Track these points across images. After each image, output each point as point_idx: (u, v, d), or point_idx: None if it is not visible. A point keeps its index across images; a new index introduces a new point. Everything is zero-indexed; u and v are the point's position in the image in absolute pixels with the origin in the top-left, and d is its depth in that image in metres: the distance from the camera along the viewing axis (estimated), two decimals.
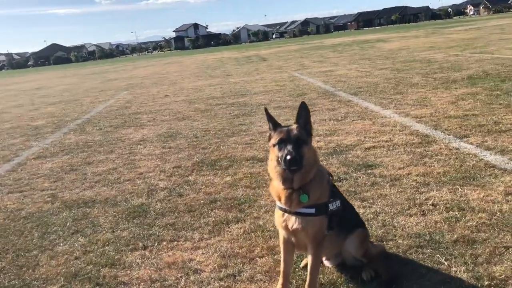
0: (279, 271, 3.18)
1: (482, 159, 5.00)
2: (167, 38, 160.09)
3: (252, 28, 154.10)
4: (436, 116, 7.29)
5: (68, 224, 4.48)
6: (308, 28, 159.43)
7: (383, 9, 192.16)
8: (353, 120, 7.77)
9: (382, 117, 7.74)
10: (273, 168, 2.73)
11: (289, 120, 8.36)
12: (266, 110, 2.89)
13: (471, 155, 5.17)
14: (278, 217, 2.82)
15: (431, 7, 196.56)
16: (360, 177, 4.90)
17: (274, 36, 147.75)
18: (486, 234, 3.35)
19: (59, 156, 7.48)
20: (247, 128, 8.16)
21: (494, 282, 2.78)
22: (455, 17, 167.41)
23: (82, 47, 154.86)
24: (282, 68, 20.38)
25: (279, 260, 3.31)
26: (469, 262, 3.02)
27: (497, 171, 4.58)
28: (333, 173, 4.86)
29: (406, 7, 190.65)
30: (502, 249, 3.13)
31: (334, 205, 2.81)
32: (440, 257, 3.12)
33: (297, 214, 2.72)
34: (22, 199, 5.41)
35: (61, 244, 4.04)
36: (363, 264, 3.04)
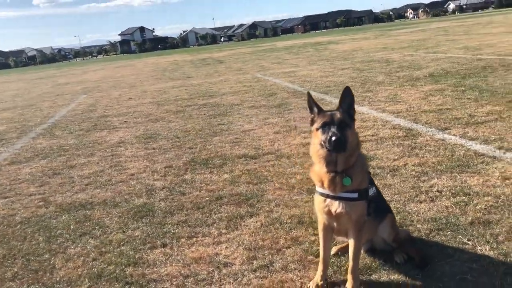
0: (312, 260, 3.25)
1: (469, 148, 5.29)
2: (112, 42, 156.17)
3: (200, 32, 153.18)
4: (412, 111, 7.61)
5: (72, 227, 4.32)
6: (256, 31, 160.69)
7: (328, 12, 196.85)
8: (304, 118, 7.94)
9: (360, 113, 7.97)
10: (316, 151, 2.78)
11: (268, 118, 8.47)
12: (309, 94, 2.92)
13: (458, 145, 5.45)
14: (319, 203, 2.87)
15: (374, 11, 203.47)
16: None
17: (222, 40, 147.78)
18: (498, 215, 3.56)
19: (36, 160, 7.15)
20: (228, 127, 8.15)
21: None
22: (396, 20, 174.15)
23: (21, 51, 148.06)
24: (242, 70, 20.46)
25: (307, 250, 3.40)
26: (491, 241, 3.20)
27: (487, 159, 4.86)
28: None
29: (350, 10, 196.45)
30: None
31: (371, 191, 2.90)
32: (462, 238, 3.29)
33: (340, 198, 2.79)
34: (11, 205, 5.14)
35: (72, 247, 3.89)
36: (393, 248, 3.15)
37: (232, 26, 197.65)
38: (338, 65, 17.18)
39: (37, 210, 4.87)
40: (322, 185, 2.83)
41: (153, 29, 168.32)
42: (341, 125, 2.70)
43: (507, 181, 4.20)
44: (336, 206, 2.80)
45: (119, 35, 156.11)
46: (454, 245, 3.22)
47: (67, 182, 5.80)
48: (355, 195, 2.79)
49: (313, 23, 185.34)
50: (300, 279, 3.06)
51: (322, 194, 2.85)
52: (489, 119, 6.46)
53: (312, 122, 2.84)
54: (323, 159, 2.75)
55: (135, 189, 5.25)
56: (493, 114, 6.70)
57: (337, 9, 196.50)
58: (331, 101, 9.50)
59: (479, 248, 3.14)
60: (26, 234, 4.25)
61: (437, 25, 46.21)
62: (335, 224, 2.89)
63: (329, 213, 2.84)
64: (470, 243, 3.22)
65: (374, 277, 2.99)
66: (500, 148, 5.15)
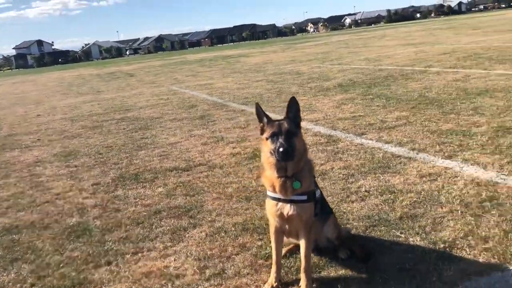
0: (262, 263, 3.37)
1: (387, 151, 5.77)
2: (5, 56, 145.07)
3: (103, 45, 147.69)
4: (329, 119, 8.09)
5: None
6: (162, 44, 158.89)
7: (234, 26, 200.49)
8: (256, 127, 8.18)
9: None
10: (266, 159, 2.93)
11: (192, 130, 8.50)
12: (257, 104, 3.04)
13: (376, 149, 5.92)
14: (272, 207, 3.01)
15: (277, 25, 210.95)
16: None
17: (128, 53, 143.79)
18: (422, 209, 3.96)
19: None
20: (152, 141, 8.04)
21: (447, 244, 3.34)
22: (298, 34, 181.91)
23: None
24: (156, 83, 20.17)
25: (256, 254, 3.52)
26: (420, 232, 3.56)
27: (404, 160, 5.35)
28: None
29: (255, 24, 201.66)
30: (440, 219, 3.75)
31: (317, 193, 3.11)
32: (395, 232, 3.62)
33: (291, 201, 2.95)
34: None
35: (5, 274, 3.63)
36: (335, 245, 3.38)
37: (138, 39, 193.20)
38: (252, 77, 17.62)
39: None
40: (274, 190, 2.97)
41: (52, 42, 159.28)
42: (288, 135, 2.87)
43: (424, 178, 4.67)
44: (288, 209, 2.96)
45: (13, 48, 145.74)
46: (390, 239, 3.53)
47: None
48: (305, 197, 2.97)
49: (219, 37, 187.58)
50: (254, 282, 3.16)
51: (274, 198, 3.00)
52: (398, 123, 7.08)
53: (262, 131, 2.98)
54: (274, 166, 2.90)
55: (64, 209, 5.01)
56: (402, 119, 7.35)
57: (242, 23, 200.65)
58: (252, 112, 9.74)
59: (411, 239, 3.48)
60: None
61: (337, 39, 49.16)
62: (286, 226, 3.05)
63: (281, 216, 2.99)
64: (402, 235, 3.55)
65: (323, 274, 3.18)
66: (413, 149, 5.69)
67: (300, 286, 3.01)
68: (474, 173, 4.63)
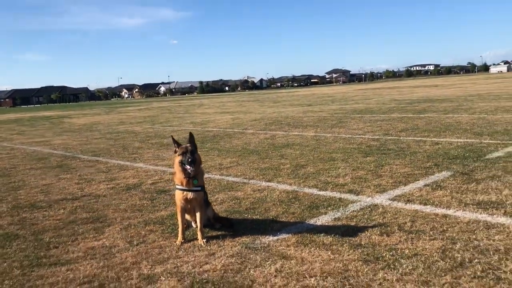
0: (169, 235, 5.39)
1: (229, 180, 8.26)
2: None
3: None
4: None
5: None
6: None
7: (41, 87, 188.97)
8: (119, 171, 9.92)
9: (139, 167, 10.22)
10: (178, 167, 5.08)
11: (59, 175, 9.76)
12: (172, 136, 5.19)
13: (221, 179, 8.37)
14: (179, 194, 5.11)
15: (90, 88, 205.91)
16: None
17: None
18: (257, 205, 6.47)
19: None
20: (24, 183, 9.06)
21: (274, 217, 5.87)
22: (113, 99, 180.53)
23: None
24: None
25: (163, 232, 5.50)
26: (257, 214, 6.02)
27: (241, 184, 7.89)
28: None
29: (65, 86, 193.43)
30: (267, 209, 6.29)
31: (204, 188, 5.36)
32: (244, 215, 6.01)
33: (192, 191, 5.12)
34: None
35: None
36: (212, 222, 5.60)
37: None
38: (89, 135, 18.80)
39: None
40: (182, 184, 5.12)
41: None
42: (192, 152, 5.10)
43: (255, 192, 7.23)
44: (190, 195, 5.12)
45: None
46: (241, 217, 5.90)
47: None
48: (199, 188, 5.18)
49: (24, 97, 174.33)
50: (169, 243, 5.14)
51: (181, 190, 5.13)
52: (232, 165, 9.73)
53: (175, 151, 5.15)
54: (184, 171, 5.07)
55: None
56: (233, 162, 10.05)
57: (50, 85, 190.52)
58: (107, 162, 11.37)
59: (253, 217, 5.92)
60: None
61: (158, 105, 52.24)
62: (188, 206, 5.19)
63: (185, 199, 5.13)
64: (247, 216, 5.96)
65: (208, 235, 5.35)
66: (246, 178, 8.31)
67: (198, 239, 5.13)
68: (284, 187, 7.40)
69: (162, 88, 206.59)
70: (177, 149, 5.18)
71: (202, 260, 4.52)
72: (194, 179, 5.13)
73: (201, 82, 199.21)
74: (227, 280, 4.00)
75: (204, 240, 5.07)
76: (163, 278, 4.13)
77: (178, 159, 5.10)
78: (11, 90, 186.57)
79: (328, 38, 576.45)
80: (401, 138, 11.86)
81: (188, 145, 5.19)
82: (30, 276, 4.37)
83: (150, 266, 4.43)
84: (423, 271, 3.89)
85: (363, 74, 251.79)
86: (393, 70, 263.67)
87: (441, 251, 4.30)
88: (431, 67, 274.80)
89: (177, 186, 5.19)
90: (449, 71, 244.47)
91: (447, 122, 14.65)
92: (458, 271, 3.85)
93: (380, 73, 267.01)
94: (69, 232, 5.71)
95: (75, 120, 30.83)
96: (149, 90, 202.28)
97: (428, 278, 3.75)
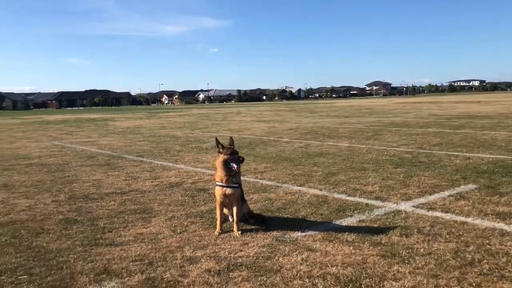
0: (209, 226, 6.01)
1: (263, 183, 8.84)
2: None
3: None
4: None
5: None
6: (3, 103, 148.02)
7: (85, 90, 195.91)
8: (162, 171, 10.70)
9: (180, 168, 10.97)
10: (222, 165, 5.70)
11: (107, 172, 10.61)
12: (216, 138, 5.85)
13: (256, 182, 8.96)
14: (219, 190, 5.73)
15: (131, 93, 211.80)
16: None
17: None
18: (288, 206, 7.02)
19: None
20: (76, 178, 9.96)
21: (301, 216, 6.40)
22: (153, 104, 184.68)
23: None
24: (33, 138, 20.96)
25: (202, 224, 6.14)
26: (288, 214, 6.57)
27: (274, 187, 8.46)
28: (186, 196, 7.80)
29: (108, 90, 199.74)
30: (297, 210, 6.83)
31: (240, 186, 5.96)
32: (276, 214, 6.57)
33: (230, 187, 5.73)
34: None
35: None
36: (247, 218, 6.19)
37: None
38: (132, 138, 19.85)
39: None
40: (222, 181, 5.74)
41: None
42: (237, 153, 5.73)
43: (287, 194, 7.78)
44: (229, 191, 5.73)
45: None
46: (273, 215, 6.46)
47: None
48: (237, 185, 5.79)
49: (69, 100, 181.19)
50: (208, 233, 5.76)
51: (221, 186, 5.75)
52: (267, 170, 10.32)
53: (219, 152, 5.79)
54: (225, 168, 5.70)
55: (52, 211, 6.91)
56: (268, 168, 10.63)
57: (93, 88, 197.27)
58: (150, 162, 12.20)
59: (284, 216, 6.46)
60: None
61: (197, 111, 53.55)
62: (227, 200, 5.80)
63: (225, 194, 5.74)
64: (279, 215, 6.51)
65: (243, 228, 5.94)
66: (279, 182, 8.87)
67: (233, 231, 5.73)
68: (314, 192, 7.92)
69: (201, 95, 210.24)
70: (221, 149, 5.80)
71: (237, 248, 5.11)
72: (233, 177, 5.74)
73: (239, 91, 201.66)
74: (258, 265, 4.57)
75: (239, 232, 5.66)
76: (203, 260, 4.74)
77: (222, 158, 5.72)
78: (58, 92, 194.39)
79: (369, 49, 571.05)
80: (434, 152, 12.13)
81: (232, 147, 5.83)
82: (90, 253, 5.08)
83: (192, 250, 5.06)
84: (434, 267, 4.34)
85: (404, 87, 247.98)
86: (436, 85, 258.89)
87: (453, 251, 4.72)
88: (476, 83, 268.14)
89: (217, 183, 5.81)
90: (494, 87, 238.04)
91: (483, 139, 14.75)
92: (466, 268, 4.28)
93: (422, 87, 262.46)
94: (120, 220, 6.43)
95: (119, 123, 32.29)
96: (188, 96, 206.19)
97: (438, 273, 4.20)
